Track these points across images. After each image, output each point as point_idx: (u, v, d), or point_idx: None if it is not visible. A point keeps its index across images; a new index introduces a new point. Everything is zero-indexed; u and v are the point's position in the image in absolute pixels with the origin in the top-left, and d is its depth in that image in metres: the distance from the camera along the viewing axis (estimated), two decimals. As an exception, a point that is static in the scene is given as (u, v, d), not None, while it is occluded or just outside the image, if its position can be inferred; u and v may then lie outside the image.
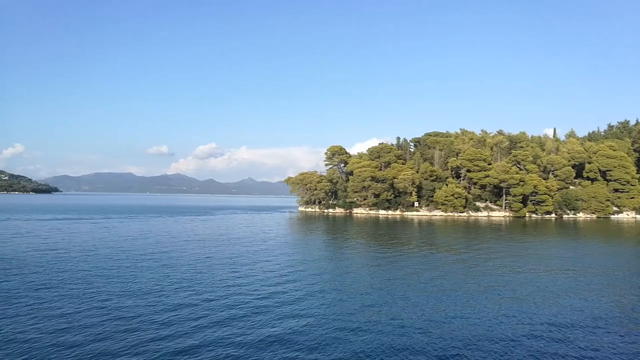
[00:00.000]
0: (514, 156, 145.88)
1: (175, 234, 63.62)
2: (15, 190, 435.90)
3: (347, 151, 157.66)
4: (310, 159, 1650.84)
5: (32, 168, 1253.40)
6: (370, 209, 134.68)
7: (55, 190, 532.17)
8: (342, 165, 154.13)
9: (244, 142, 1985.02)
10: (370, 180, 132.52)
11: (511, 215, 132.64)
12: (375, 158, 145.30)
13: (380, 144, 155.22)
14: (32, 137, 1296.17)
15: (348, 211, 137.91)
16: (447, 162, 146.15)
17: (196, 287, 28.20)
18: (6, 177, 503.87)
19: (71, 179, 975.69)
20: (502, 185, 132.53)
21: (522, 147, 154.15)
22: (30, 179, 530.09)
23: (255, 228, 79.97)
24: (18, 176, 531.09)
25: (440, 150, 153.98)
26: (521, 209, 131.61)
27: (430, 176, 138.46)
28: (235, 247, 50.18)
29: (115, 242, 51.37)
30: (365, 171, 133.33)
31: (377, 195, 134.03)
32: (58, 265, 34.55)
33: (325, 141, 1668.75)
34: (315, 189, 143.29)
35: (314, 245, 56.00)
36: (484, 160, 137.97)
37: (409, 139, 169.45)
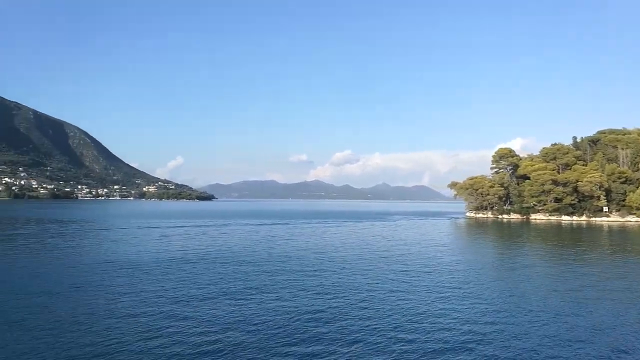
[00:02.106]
0: None
1: (389, 237, 71.49)
2: (183, 198, 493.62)
3: (517, 154, 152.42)
4: (448, 163, 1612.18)
5: (191, 177, 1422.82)
6: (550, 215, 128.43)
7: (212, 197, 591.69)
8: (510, 168, 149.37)
9: (377, 148, 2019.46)
10: (551, 184, 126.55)
11: None
12: (551, 160, 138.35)
13: (552, 144, 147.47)
14: (190, 149, 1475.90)
15: (525, 217, 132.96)
16: (638, 162, 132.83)
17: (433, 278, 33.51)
18: (172, 187, 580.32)
19: (222, 186, 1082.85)
20: None
21: None
22: (191, 188, 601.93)
23: (443, 233, 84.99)
24: (182, 185, 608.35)
25: (623, 149, 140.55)
26: None
27: (619, 178, 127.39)
28: (447, 249, 56.09)
29: (357, 244, 60.22)
30: (544, 174, 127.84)
31: (558, 200, 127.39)
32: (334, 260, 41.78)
33: (459, 144, 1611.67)
34: (488, 194, 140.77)
35: (511, 250, 58.41)
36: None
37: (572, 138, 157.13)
